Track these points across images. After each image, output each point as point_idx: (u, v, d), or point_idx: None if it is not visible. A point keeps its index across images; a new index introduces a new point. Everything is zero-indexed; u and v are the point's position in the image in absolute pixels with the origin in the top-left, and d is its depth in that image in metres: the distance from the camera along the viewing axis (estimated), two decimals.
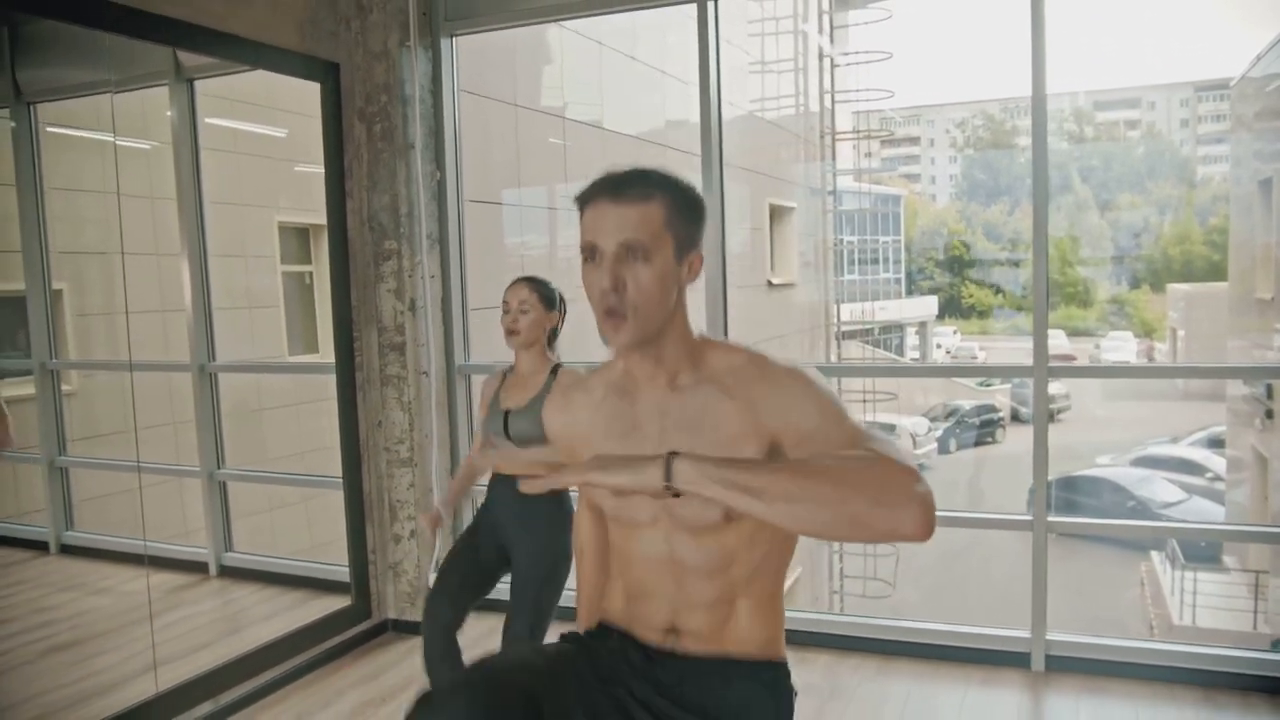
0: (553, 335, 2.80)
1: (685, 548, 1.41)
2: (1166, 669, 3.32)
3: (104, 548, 3.83)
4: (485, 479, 2.95)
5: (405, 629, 4.08)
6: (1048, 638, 3.46)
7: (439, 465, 4.08)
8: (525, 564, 2.73)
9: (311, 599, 4.16)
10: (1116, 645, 3.44)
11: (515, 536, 2.76)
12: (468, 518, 4.29)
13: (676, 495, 1.20)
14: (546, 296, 2.73)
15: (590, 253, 1.35)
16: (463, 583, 2.81)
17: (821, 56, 10.94)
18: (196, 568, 4.29)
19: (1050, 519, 3.46)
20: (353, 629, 3.98)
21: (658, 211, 1.33)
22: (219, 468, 4.35)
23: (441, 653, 2.77)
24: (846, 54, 11.36)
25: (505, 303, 2.72)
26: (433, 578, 4.01)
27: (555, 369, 2.72)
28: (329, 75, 3.82)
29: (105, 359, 4.02)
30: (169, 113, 4.10)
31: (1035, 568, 3.48)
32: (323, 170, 3.94)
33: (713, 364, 1.40)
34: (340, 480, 4.03)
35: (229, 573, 4.33)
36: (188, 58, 3.90)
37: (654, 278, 1.32)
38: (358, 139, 3.92)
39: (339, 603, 4.01)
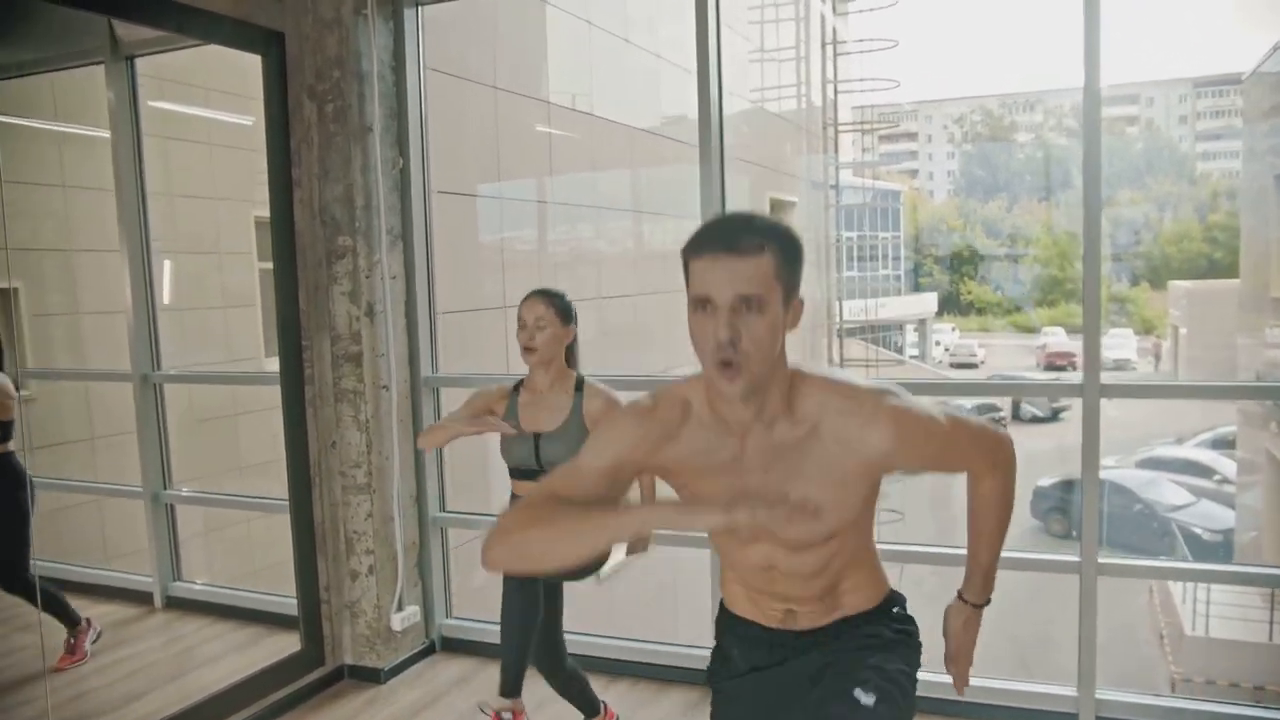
0: (570, 351, 2.69)
1: (785, 560, 1.54)
2: None
3: (43, 574, 3.39)
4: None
5: (362, 676, 3.61)
6: (1097, 696, 3.01)
7: (402, 491, 3.62)
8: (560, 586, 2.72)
9: (265, 636, 3.76)
10: (1176, 707, 2.99)
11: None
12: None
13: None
14: (563, 310, 2.62)
15: (703, 304, 1.36)
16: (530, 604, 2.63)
17: (825, 44, 10.56)
18: (141, 598, 3.89)
19: (1101, 560, 3.00)
20: (304, 677, 3.51)
21: (769, 263, 1.36)
22: (165, 488, 3.92)
23: (524, 617, 2.62)
24: (851, 41, 10.99)
25: (520, 319, 2.62)
26: (396, 619, 3.60)
27: (580, 384, 2.63)
28: (271, 46, 3.35)
29: (61, 365, 3.83)
30: (108, 94, 3.71)
31: (1083, 616, 3.02)
32: (266, 153, 3.49)
33: (808, 406, 1.46)
34: (287, 507, 3.57)
35: (176, 604, 3.94)
36: (126, 32, 3.56)
37: (767, 328, 1.36)
38: (306, 119, 3.44)
39: (294, 642, 3.57)
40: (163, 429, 3.95)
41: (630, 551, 2.90)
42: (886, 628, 1.64)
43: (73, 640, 3.34)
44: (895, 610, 1.67)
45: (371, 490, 3.54)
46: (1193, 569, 8.76)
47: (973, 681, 3.11)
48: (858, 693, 1.54)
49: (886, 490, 1.59)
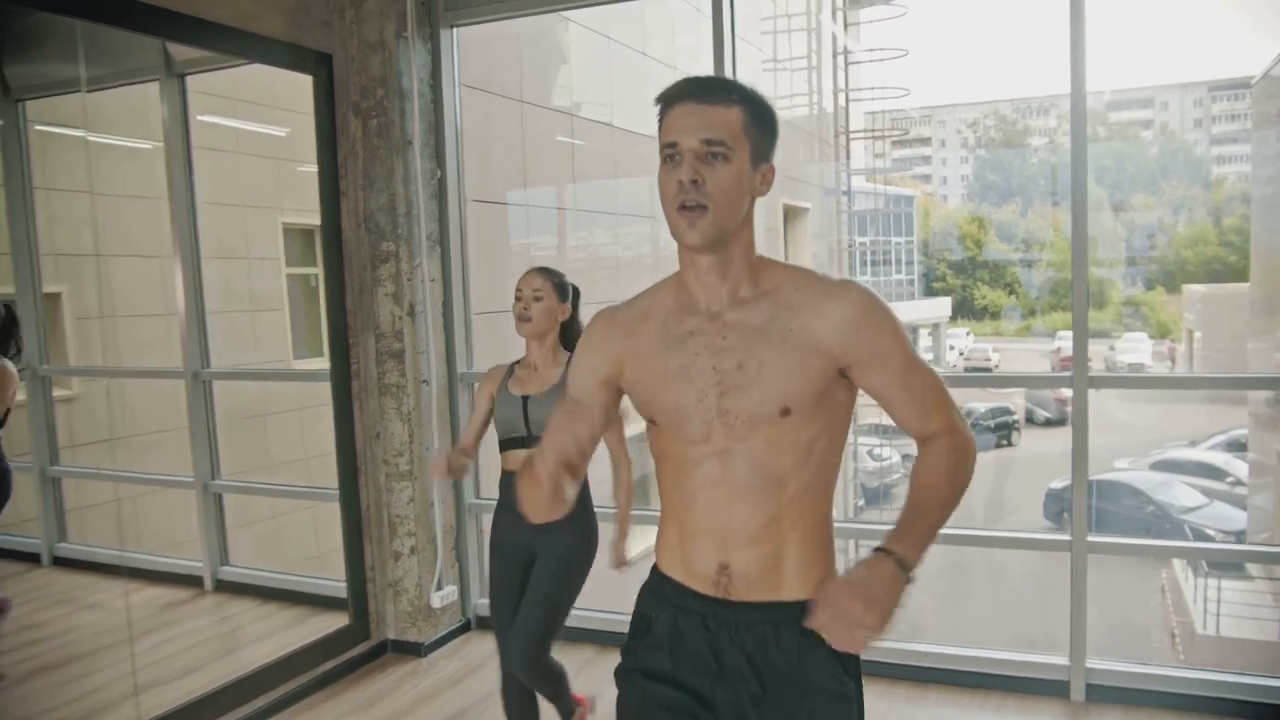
0: (565, 331, 2.71)
1: (736, 463, 1.41)
2: (1215, 700, 3.10)
3: (97, 560, 3.65)
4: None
5: (405, 650, 3.88)
6: (1088, 665, 3.24)
7: (440, 480, 3.88)
8: (549, 560, 2.64)
9: (310, 616, 3.99)
10: (1162, 674, 3.22)
11: (539, 535, 2.60)
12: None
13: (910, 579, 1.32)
14: (560, 285, 2.66)
15: (670, 151, 1.37)
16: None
17: (836, 54, 10.75)
18: (191, 582, 4.13)
19: (1091, 539, 3.24)
20: (350, 650, 3.78)
21: (738, 114, 1.36)
22: (214, 478, 4.17)
23: (519, 692, 2.73)
24: (861, 51, 11.17)
25: (518, 290, 2.66)
26: (436, 597, 3.84)
27: (570, 361, 2.59)
28: (321, 67, 3.63)
29: (102, 364, 3.90)
30: (161, 109, 3.95)
31: (1074, 591, 3.26)
32: (317, 166, 3.75)
33: (775, 278, 1.44)
34: (337, 493, 3.84)
35: (225, 587, 4.17)
36: (179, 52, 3.78)
37: (731, 177, 1.36)
38: (352, 135, 3.72)
39: (338, 620, 3.83)
40: (212, 423, 4.19)
41: (615, 566, 2.82)
42: (829, 671, 1.45)
43: None
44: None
45: (413, 477, 3.81)
46: (1176, 547, 8.91)
47: (968, 652, 3.38)
48: None
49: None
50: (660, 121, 1.40)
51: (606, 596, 3.32)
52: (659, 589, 1.52)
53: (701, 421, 1.42)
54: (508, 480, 2.71)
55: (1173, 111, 24.22)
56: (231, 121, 4.73)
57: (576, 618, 3.18)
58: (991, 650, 3.41)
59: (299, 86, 3.73)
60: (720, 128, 1.35)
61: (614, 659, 1.58)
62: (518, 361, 2.73)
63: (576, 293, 2.74)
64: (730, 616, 1.44)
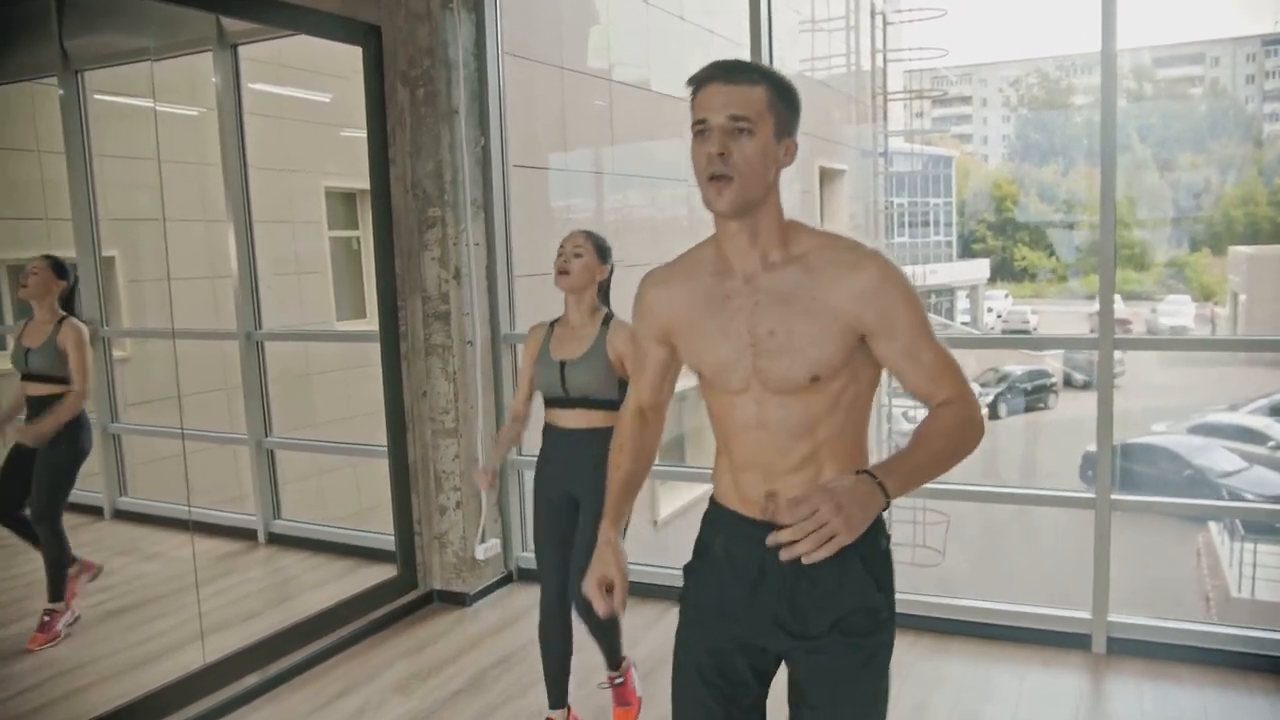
0: (603, 291, 2.81)
1: (772, 411, 1.56)
2: (1236, 654, 3.19)
3: (156, 513, 3.85)
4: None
5: (450, 600, 4.06)
6: (1109, 619, 3.35)
7: (484, 436, 4.04)
8: (595, 509, 2.65)
9: (359, 568, 4.17)
10: (1182, 628, 3.31)
11: (581, 482, 2.74)
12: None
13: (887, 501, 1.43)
14: (600, 246, 2.75)
15: (701, 127, 1.50)
16: (558, 564, 2.86)
17: (873, 14, 10.64)
18: (246, 535, 4.32)
19: (1114, 496, 3.33)
20: (399, 599, 3.97)
21: (761, 93, 1.49)
22: (266, 435, 4.35)
23: (558, 641, 2.89)
24: (900, 10, 11.04)
25: (561, 246, 2.75)
26: (480, 549, 4.01)
27: (608, 319, 2.75)
28: (370, 38, 3.74)
29: (156, 326, 3.98)
30: (214, 79, 4.07)
31: (1098, 547, 3.36)
32: (366, 135, 3.87)
33: (804, 243, 1.56)
34: (385, 450, 4.00)
35: (277, 540, 4.36)
36: (231, 23, 3.87)
37: (756, 149, 1.48)
38: (400, 103, 3.84)
39: (386, 572, 4.00)
40: (264, 382, 4.34)
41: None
42: (871, 575, 1.59)
43: (48, 620, 3.32)
44: (883, 544, 1.62)
45: (458, 434, 3.97)
46: (1200, 505, 8.87)
47: (992, 605, 3.49)
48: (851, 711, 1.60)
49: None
50: (692, 101, 1.53)
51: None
52: (716, 516, 1.69)
53: (740, 377, 1.57)
54: (550, 434, 2.84)
55: (1223, 67, 23.61)
56: (277, 88, 4.83)
57: (641, 573, 3.37)
58: (1015, 604, 3.52)
59: (342, 53, 3.80)
60: (745, 104, 1.47)
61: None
62: (557, 320, 2.83)
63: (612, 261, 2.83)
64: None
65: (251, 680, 3.31)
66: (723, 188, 1.48)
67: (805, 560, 1.35)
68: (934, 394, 1.54)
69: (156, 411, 3.91)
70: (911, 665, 3.34)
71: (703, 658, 1.66)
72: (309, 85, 4.94)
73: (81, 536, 3.71)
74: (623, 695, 2.99)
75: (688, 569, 1.74)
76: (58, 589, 3.34)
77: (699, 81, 1.53)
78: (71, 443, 3.40)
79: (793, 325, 1.52)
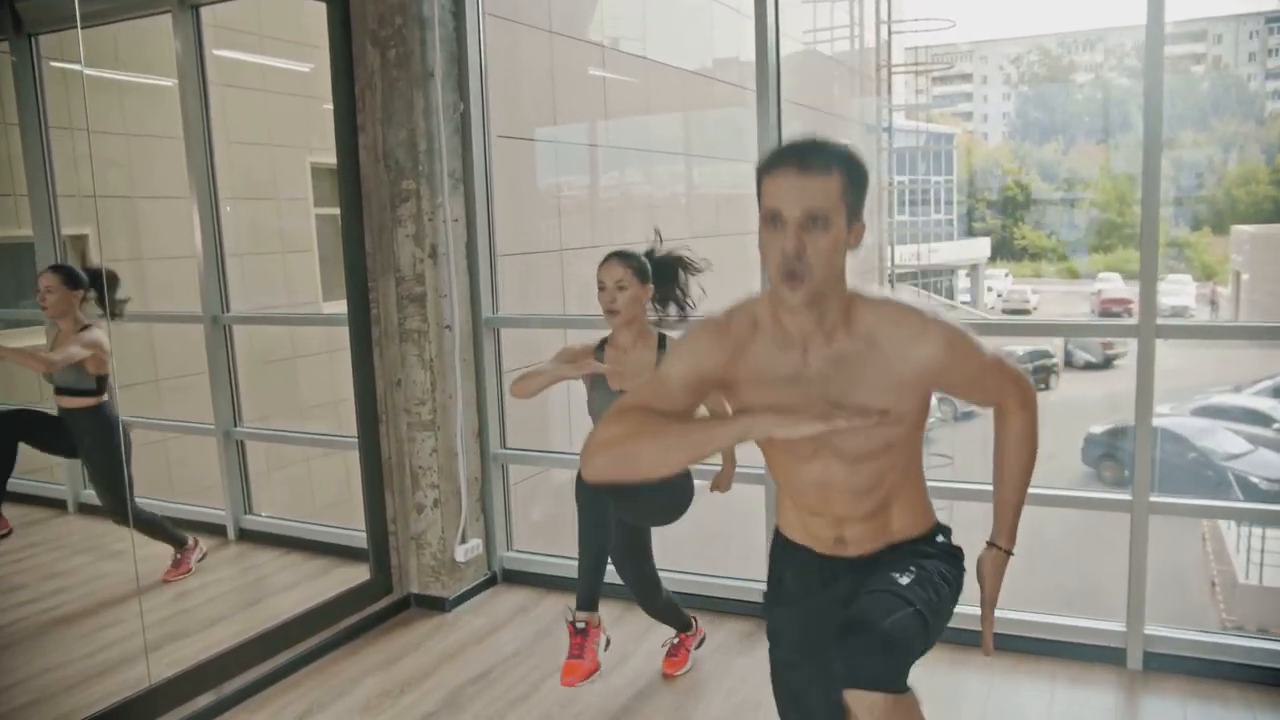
0: (671, 298, 2.85)
1: (841, 474, 1.64)
2: None
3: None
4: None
5: (428, 605, 3.77)
6: (1146, 632, 3.06)
7: (465, 428, 3.73)
8: (646, 502, 2.75)
9: (335, 567, 3.92)
10: (1227, 643, 3.02)
11: (624, 501, 2.71)
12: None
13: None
14: (640, 270, 2.74)
15: (773, 219, 1.47)
16: (601, 525, 2.74)
17: None
18: (215, 530, 4.06)
19: (1153, 499, 3.03)
20: (372, 605, 3.68)
21: (836, 183, 1.45)
22: (236, 425, 4.08)
23: (600, 531, 2.74)
24: None
25: (600, 281, 2.74)
26: (460, 550, 3.74)
27: (662, 341, 2.77)
28: None
29: (131, 309, 3.76)
30: (175, 44, 3.81)
31: (1133, 554, 3.07)
32: (332, 99, 3.57)
33: (865, 320, 1.56)
34: (355, 444, 3.71)
35: (248, 537, 4.13)
36: None
37: (830, 244, 1.46)
38: (370, 66, 3.51)
39: (362, 572, 3.74)
40: (233, 369, 4.10)
41: (714, 489, 3.05)
42: (932, 548, 1.75)
43: (179, 555, 3.65)
44: (940, 539, 1.78)
45: (436, 427, 3.66)
46: (1245, 508, 8.70)
47: (1018, 615, 3.21)
48: (894, 574, 1.64)
49: (934, 435, 1.75)
50: (760, 184, 1.50)
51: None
52: (785, 550, 1.82)
53: (810, 448, 1.62)
54: (596, 406, 2.83)
55: (1226, 44, 23.49)
56: (254, 57, 4.59)
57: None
58: (1042, 614, 3.23)
59: (323, 21, 3.54)
60: (820, 197, 1.45)
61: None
62: (605, 340, 2.82)
63: (650, 263, 2.79)
64: (846, 565, 1.74)
65: (205, 700, 3.01)
66: (797, 286, 1.47)
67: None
68: (999, 402, 1.74)
69: (129, 398, 3.69)
70: (928, 679, 3.04)
71: (799, 644, 1.83)
72: (291, 55, 4.70)
73: (42, 532, 3.59)
74: (580, 645, 2.78)
75: (765, 604, 1.89)
76: (173, 540, 3.66)
77: (772, 168, 1.49)
78: (106, 432, 3.35)
79: (867, 398, 1.53)
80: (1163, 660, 3.04)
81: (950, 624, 3.19)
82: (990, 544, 1.78)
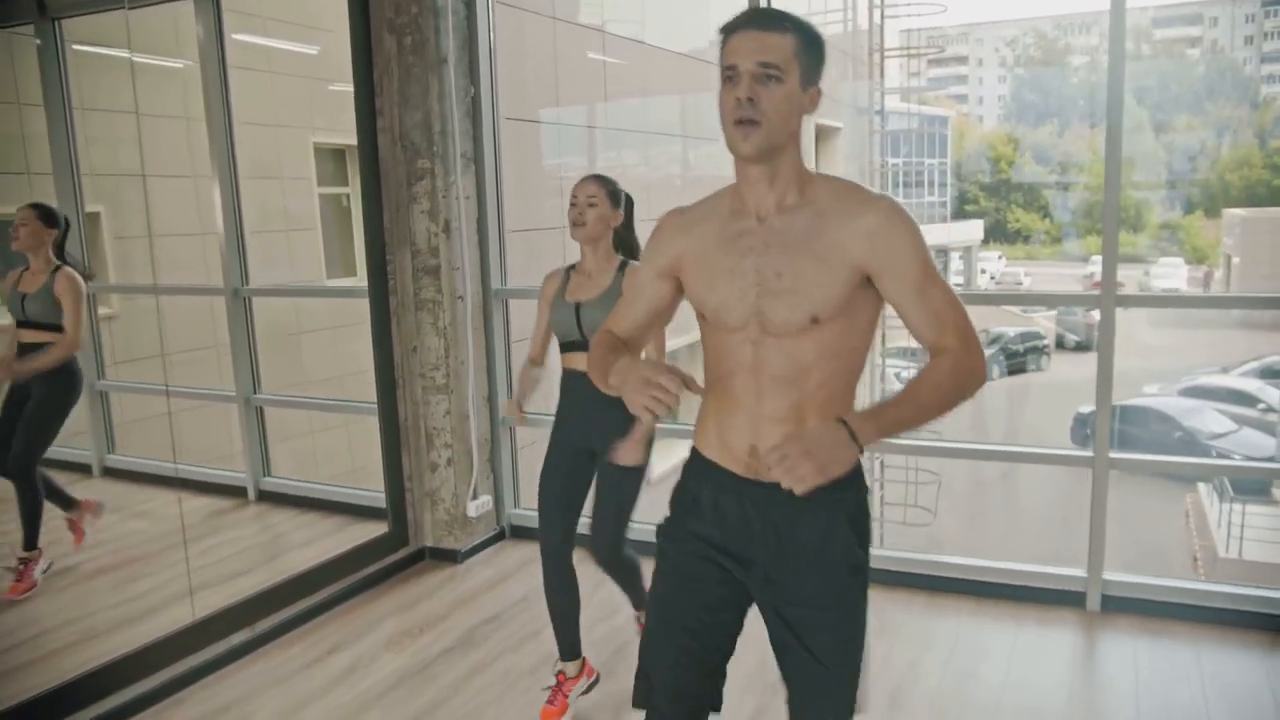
0: (618, 238, 2.79)
1: (766, 354, 1.59)
2: (1231, 612, 3.18)
3: (145, 471, 3.83)
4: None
5: (441, 557, 4.03)
6: (1104, 577, 3.33)
7: (475, 392, 3.99)
8: (610, 467, 2.70)
9: (349, 525, 4.15)
10: (1177, 586, 3.30)
11: (598, 435, 2.70)
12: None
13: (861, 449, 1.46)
14: (613, 193, 2.73)
15: (730, 73, 1.52)
16: (561, 509, 2.80)
17: None
18: (235, 492, 4.30)
19: (1112, 455, 3.30)
20: (390, 557, 3.94)
21: (790, 42, 1.52)
22: (255, 392, 4.31)
23: (561, 586, 2.81)
24: None
25: (573, 196, 2.72)
26: (471, 506, 3.98)
27: (623, 265, 2.73)
28: None
29: (146, 283, 3.92)
30: (196, 28, 3.99)
31: (1094, 506, 3.34)
32: (353, 84, 3.79)
33: (819, 189, 1.59)
34: (375, 407, 3.95)
35: (267, 497, 4.34)
36: None
37: (783, 96, 1.51)
38: (387, 52, 3.74)
39: (376, 529, 3.97)
40: (252, 339, 4.31)
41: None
42: (847, 543, 1.63)
43: (22, 568, 3.32)
44: (866, 501, 1.66)
45: (449, 390, 3.92)
46: (1199, 464, 8.82)
47: (987, 563, 3.48)
48: (823, 654, 1.62)
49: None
50: (722, 48, 1.55)
51: None
52: (700, 468, 1.71)
53: (740, 316, 1.59)
54: (568, 379, 2.79)
55: (1221, 28, 23.52)
56: (264, 40, 4.75)
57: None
58: (1011, 563, 3.50)
59: (329, 4, 3.72)
60: (774, 52, 1.50)
61: None
62: (573, 266, 2.80)
63: (630, 201, 2.80)
64: (762, 495, 1.61)
65: (240, 637, 3.28)
66: (749, 132, 1.52)
67: (796, 489, 1.41)
68: (938, 338, 1.55)
69: (143, 369, 3.88)
70: (905, 623, 3.33)
71: (686, 611, 1.69)
72: (296, 38, 4.85)
73: (72, 494, 3.71)
74: (557, 693, 2.88)
75: (670, 516, 1.75)
76: (32, 537, 3.34)
77: (731, 29, 1.55)
78: (63, 390, 3.38)
79: (800, 268, 1.55)
80: (1119, 602, 3.31)
81: (924, 572, 3.50)
82: (842, 420, 1.45)
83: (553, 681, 2.87)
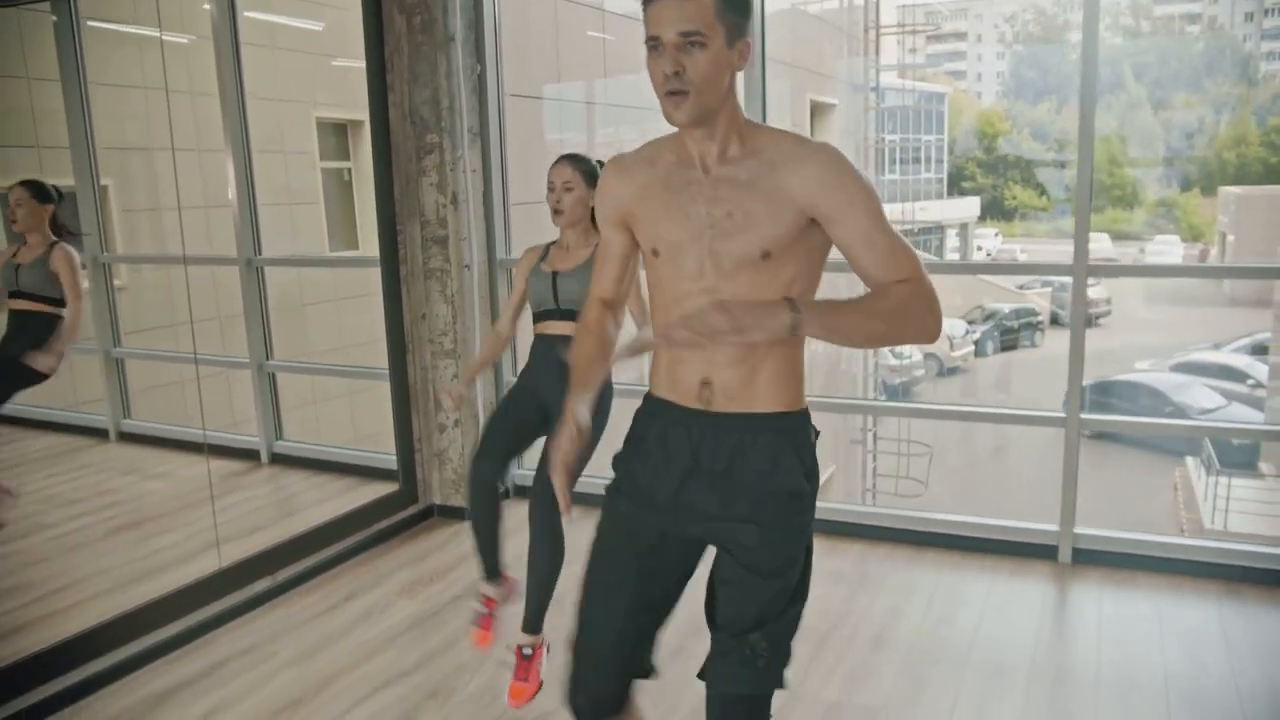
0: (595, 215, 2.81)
1: (720, 292, 1.60)
2: (1191, 563, 3.40)
3: (159, 435, 4.02)
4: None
5: (450, 514, 4.24)
6: (1076, 531, 3.54)
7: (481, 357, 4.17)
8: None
9: (360, 485, 4.33)
10: (1143, 539, 3.50)
11: (556, 399, 2.65)
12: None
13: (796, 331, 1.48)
14: (589, 173, 2.74)
15: (654, 44, 1.54)
16: (504, 443, 2.87)
17: None
18: (249, 455, 4.48)
19: (1083, 416, 3.50)
20: (400, 513, 4.14)
21: (709, 5, 1.51)
22: (268, 359, 4.48)
23: (486, 510, 2.93)
24: None
25: (550, 181, 2.75)
26: None
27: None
28: None
29: (154, 253, 4.13)
30: (206, 5, 4.11)
31: (1066, 463, 3.54)
32: (360, 65, 3.96)
33: (761, 139, 1.62)
34: (386, 371, 4.14)
35: (280, 460, 4.52)
36: None
37: (709, 61, 1.52)
38: (398, 31, 3.90)
39: (386, 489, 4.16)
40: (265, 307, 4.46)
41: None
42: (793, 472, 1.65)
43: None
44: (812, 436, 1.69)
45: (456, 355, 4.11)
46: (1170, 424, 8.87)
47: (965, 519, 3.69)
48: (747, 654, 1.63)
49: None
50: (644, 17, 1.56)
51: None
52: (651, 409, 1.74)
53: (695, 258, 1.62)
54: (539, 343, 2.87)
55: (1222, 4, 23.39)
56: (271, 16, 4.87)
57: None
58: (987, 517, 3.71)
59: None
60: (695, 18, 1.51)
61: None
62: (553, 242, 2.87)
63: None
64: (711, 424, 1.65)
65: (262, 585, 3.48)
66: (680, 102, 1.54)
67: (708, 340, 1.46)
68: (887, 278, 1.55)
69: (154, 338, 4.03)
70: (888, 573, 3.54)
71: (629, 542, 1.73)
72: (301, 14, 4.95)
73: (89, 457, 3.92)
74: (526, 669, 2.83)
75: (618, 459, 1.78)
76: None
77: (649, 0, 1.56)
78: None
79: (750, 207, 1.57)
80: (1089, 555, 3.52)
81: (907, 526, 3.70)
82: (786, 298, 1.50)
83: (511, 660, 2.84)
